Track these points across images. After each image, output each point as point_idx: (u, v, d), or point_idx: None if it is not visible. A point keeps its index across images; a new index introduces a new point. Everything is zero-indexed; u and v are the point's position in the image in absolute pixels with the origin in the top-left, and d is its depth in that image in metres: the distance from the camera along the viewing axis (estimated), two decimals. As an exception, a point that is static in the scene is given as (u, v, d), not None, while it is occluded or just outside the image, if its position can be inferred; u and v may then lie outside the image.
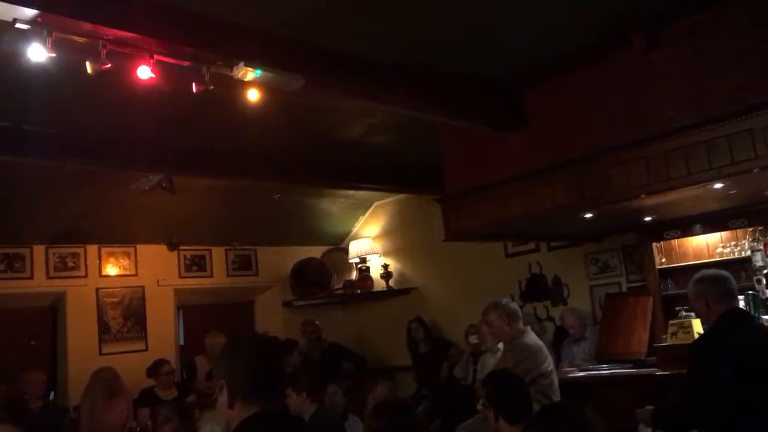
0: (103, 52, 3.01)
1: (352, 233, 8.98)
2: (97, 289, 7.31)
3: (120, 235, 7.34)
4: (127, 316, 7.44)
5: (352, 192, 7.90)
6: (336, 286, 8.68)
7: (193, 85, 3.39)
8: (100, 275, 7.36)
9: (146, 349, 7.36)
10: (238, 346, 2.20)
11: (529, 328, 4.69)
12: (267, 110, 4.16)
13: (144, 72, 3.21)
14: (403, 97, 4.35)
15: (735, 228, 5.60)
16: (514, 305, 4.71)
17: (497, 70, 4.63)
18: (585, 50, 4.34)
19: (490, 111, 4.85)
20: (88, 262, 7.29)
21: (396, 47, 4.06)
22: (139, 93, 3.56)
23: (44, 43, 2.85)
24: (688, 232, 5.84)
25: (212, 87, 3.38)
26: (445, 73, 4.48)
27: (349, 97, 4.40)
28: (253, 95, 3.75)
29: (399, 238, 8.50)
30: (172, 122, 4.87)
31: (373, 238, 8.67)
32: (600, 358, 5.81)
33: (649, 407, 3.52)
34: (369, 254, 8.52)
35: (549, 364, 4.48)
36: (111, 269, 7.43)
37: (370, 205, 8.75)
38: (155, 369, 6.50)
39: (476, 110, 4.77)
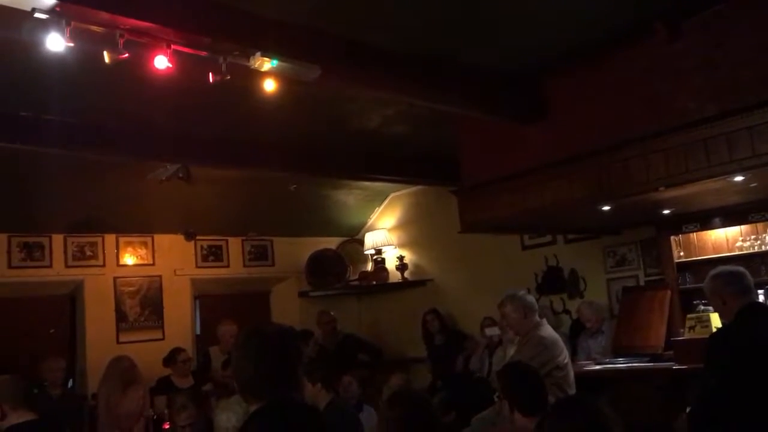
0: (121, 41, 3.02)
1: (367, 225, 8.98)
2: (114, 278, 7.37)
3: (137, 225, 7.39)
4: (145, 305, 7.50)
5: (368, 183, 7.89)
6: (351, 278, 8.69)
7: (210, 75, 3.39)
8: (118, 264, 7.42)
9: (163, 338, 7.42)
10: (241, 342, 2.20)
11: (545, 320, 4.66)
12: (283, 101, 4.17)
13: (161, 62, 3.22)
14: (421, 89, 4.33)
15: (755, 221, 5.53)
16: (531, 298, 4.68)
17: (517, 62, 4.59)
18: (606, 41, 4.30)
19: (509, 103, 4.81)
20: (105, 252, 7.36)
21: (414, 38, 4.04)
22: (157, 83, 3.57)
23: (63, 33, 2.86)
24: (708, 225, 5.77)
25: (229, 77, 3.38)
26: (464, 65, 4.45)
27: (366, 88, 4.38)
28: (269, 85, 3.75)
29: (415, 230, 8.48)
30: (189, 112, 4.89)
31: (389, 230, 8.66)
32: (617, 352, 5.78)
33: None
34: (384, 246, 8.52)
35: (565, 357, 4.45)
36: (128, 258, 7.49)
37: (386, 197, 8.74)
38: (172, 357, 6.56)
39: (496, 102, 4.74)
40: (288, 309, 8.30)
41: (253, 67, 3.42)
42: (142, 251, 7.58)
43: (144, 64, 3.21)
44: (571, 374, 4.44)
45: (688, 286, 5.94)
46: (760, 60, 3.77)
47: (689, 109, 4.04)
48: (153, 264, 7.63)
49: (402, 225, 8.63)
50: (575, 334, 6.50)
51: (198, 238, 7.89)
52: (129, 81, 3.91)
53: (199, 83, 3.40)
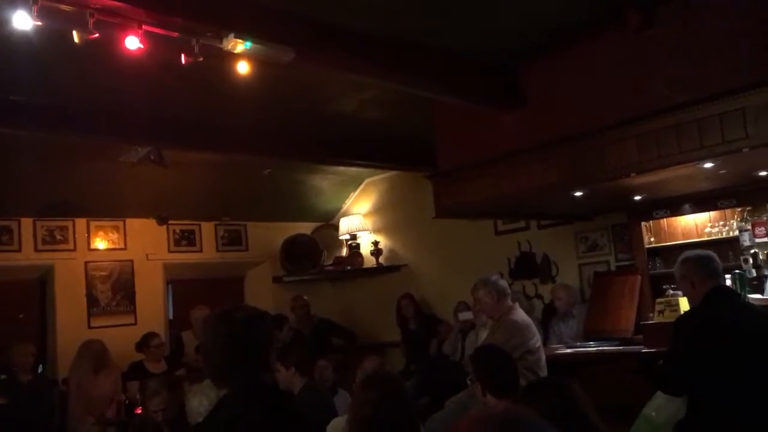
0: (91, 21, 2.96)
1: (342, 210, 8.96)
2: (85, 263, 7.28)
3: (109, 209, 7.29)
4: (116, 289, 7.42)
5: (343, 168, 7.87)
6: (326, 263, 8.68)
7: (183, 56, 3.35)
8: (89, 249, 7.33)
9: (135, 323, 7.36)
10: (211, 326, 2.18)
11: (517, 305, 4.72)
12: (257, 84, 4.13)
13: (132, 42, 3.16)
14: (396, 73, 4.31)
15: (724, 208, 5.62)
16: (503, 282, 4.73)
17: (494, 48, 4.59)
18: (580, 27, 4.32)
19: (485, 88, 4.82)
20: (76, 236, 7.25)
21: (391, 22, 4.02)
22: (128, 64, 3.51)
23: (30, 11, 2.80)
24: (678, 211, 5.86)
25: (202, 59, 3.33)
26: (441, 49, 4.44)
27: (341, 71, 4.35)
28: (243, 68, 3.71)
29: (390, 215, 8.49)
30: (161, 95, 4.82)
31: (364, 215, 8.66)
32: (587, 336, 5.86)
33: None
34: (359, 231, 8.52)
35: (537, 340, 4.51)
36: (100, 243, 7.40)
37: (361, 182, 8.72)
38: (145, 342, 6.52)
39: (471, 87, 4.74)
40: (262, 294, 8.27)
41: (226, 48, 3.38)
42: (114, 235, 7.48)
43: (115, 45, 3.16)
44: (543, 358, 4.50)
45: (658, 271, 6.03)
46: (731, 48, 3.82)
47: (661, 96, 4.08)
48: (125, 248, 7.54)
49: (377, 210, 8.63)
50: (547, 318, 6.58)
51: (170, 222, 7.81)
52: (100, 62, 3.84)
53: (172, 65, 3.36)
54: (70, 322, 7.04)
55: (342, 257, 8.67)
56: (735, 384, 3.18)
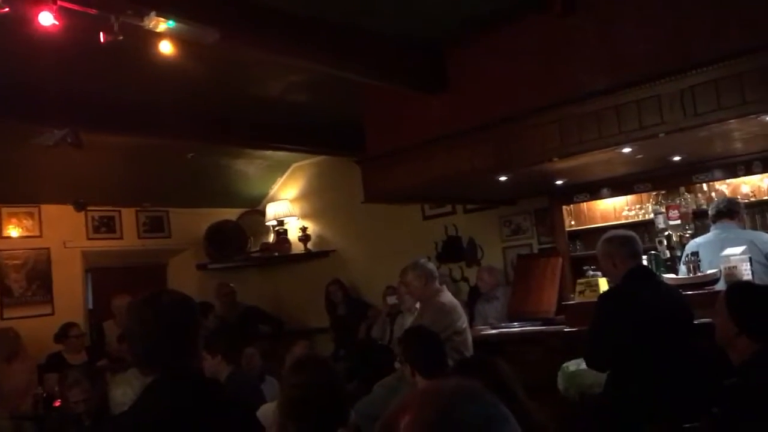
0: (0, -6, 2.81)
1: (269, 195, 8.85)
2: (-4, 251, 6.95)
3: (22, 194, 6.95)
4: (32, 279, 7.11)
5: (269, 153, 7.76)
6: (253, 249, 8.57)
7: (101, 34, 3.22)
8: (1, 236, 6.98)
9: (53, 314, 7.07)
10: (134, 311, 2.12)
11: (445, 287, 4.79)
12: (181, 64, 4.02)
13: (46, 19, 3.02)
14: (323, 55, 4.28)
15: (640, 192, 5.85)
16: (431, 265, 4.79)
17: (420, 31, 4.62)
18: (505, 12, 4.39)
19: (411, 72, 4.84)
20: (-14, 223, 6.91)
21: (318, 3, 3.98)
22: (42, 41, 3.35)
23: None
24: (597, 195, 6.06)
25: (121, 38, 3.21)
26: (366, 32, 4.43)
27: (267, 52, 4.28)
28: (166, 47, 3.61)
29: (318, 201, 8.44)
30: (78, 74, 4.62)
31: (291, 201, 8.58)
32: (511, 317, 6.00)
33: None
34: (287, 217, 8.44)
35: (463, 322, 4.60)
36: (13, 230, 7.06)
37: (288, 167, 8.63)
38: (64, 332, 6.28)
39: (397, 70, 4.76)
40: (186, 282, 8.07)
41: (147, 27, 3.27)
42: (28, 222, 7.15)
43: (28, 21, 3.00)
44: (470, 338, 4.59)
45: (578, 253, 6.23)
46: (648, 36, 3.97)
47: (582, 82, 4.20)
48: (40, 236, 7.22)
49: (305, 196, 8.56)
50: (473, 300, 6.70)
51: (89, 208, 7.52)
52: (11, 38, 3.65)
53: (90, 43, 3.22)
54: (-19, 313, 6.72)
55: (269, 243, 8.57)
56: (652, 358, 3.33)
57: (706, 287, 4.31)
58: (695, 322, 3.56)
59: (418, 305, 5.29)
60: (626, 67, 4.03)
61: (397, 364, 4.32)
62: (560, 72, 4.33)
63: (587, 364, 3.74)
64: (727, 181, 5.54)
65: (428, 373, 3.16)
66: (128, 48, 3.38)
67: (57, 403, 5.11)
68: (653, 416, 3.23)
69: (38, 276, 7.16)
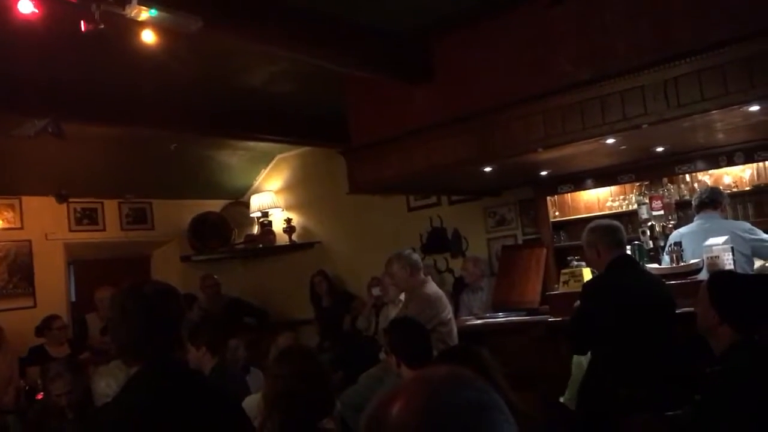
0: (-22, -19, 2.77)
1: (253, 187, 8.81)
2: (-23, 244, 6.87)
3: (3, 186, 6.85)
4: (13, 271, 7.03)
5: (253, 144, 7.72)
6: (237, 241, 8.53)
7: (82, 23, 3.17)
8: (-19, 228, 6.92)
9: (35, 306, 7.01)
10: (118, 301, 2.10)
11: (429, 278, 4.79)
12: (164, 54, 3.97)
13: (26, 6, 2.98)
14: (307, 45, 4.25)
15: (624, 183, 5.89)
16: (416, 256, 4.80)
17: (404, 22, 4.60)
18: (489, 2, 4.38)
19: (396, 63, 4.83)
20: (-34, 215, 6.83)
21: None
22: (22, 30, 3.30)
23: None
24: (581, 186, 6.09)
25: (103, 26, 3.17)
26: (350, 22, 4.40)
27: (250, 41, 4.24)
28: (148, 36, 3.56)
29: (302, 192, 8.42)
30: (59, 63, 4.56)
31: (276, 192, 8.55)
32: (496, 307, 6.02)
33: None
34: (271, 208, 8.41)
35: (448, 312, 4.61)
36: (-7, 222, 6.99)
37: (273, 158, 8.60)
38: (46, 324, 6.22)
39: (383, 61, 4.74)
40: (170, 274, 8.02)
41: (129, 16, 3.22)
42: (9, 214, 7.07)
43: (6, 9, 2.96)
44: (455, 329, 4.60)
45: (562, 244, 6.27)
46: (632, 27, 3.98)
47: (567, 73, 4.21)
48: (21, 228, 7.14)
49: (289, 187, 8.53)
50: (457, 291, 6.72)
51: (71, 200, 7.44)
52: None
53: (70, 32, 3.17)
54: (-39, 305, 6.64)
55: (253, 235, 8.54)
56: (634, 346, 3.37)
57: (689, 277, 4.35)
58: (678, 311, 3.60)
59: (402, 296, 5.31)
60: (610, 58, 4.04)
61: (382, 355, 4.32)
62: (544, 63, 4.34)
63: (569, 348, 3.78)
64: (710, 171, 5.59)
65: (414, 363, 3.16)
66: (110, 37, 3.33)
67: (39, 396, 5.06)
68: (636, 404, 3.26)
69: (20, 268, 7.09)
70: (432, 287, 4.66)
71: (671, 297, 3.63)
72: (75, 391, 4.17)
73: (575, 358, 4.22)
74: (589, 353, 3.69)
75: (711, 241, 4.31)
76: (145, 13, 3.24)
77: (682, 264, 4.52)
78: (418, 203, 7.47)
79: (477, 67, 4.69)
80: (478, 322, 5.75)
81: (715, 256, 4.19)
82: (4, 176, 6.69)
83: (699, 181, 5.67)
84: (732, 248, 4.20)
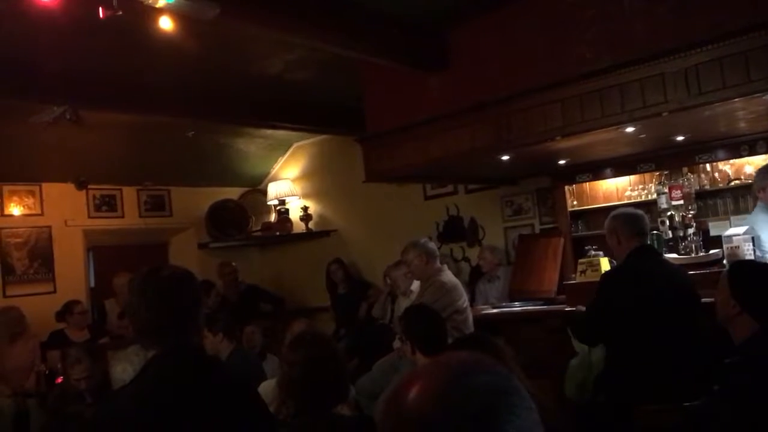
0: (-2, -33, 2.78)
1: (270, 175, 8.83)
2: (-1, 229, 6.96)
3: (23, 173, 6.94)
4: (33, 257, 7.12)
5: (270, 132, 7.73)
6: (254, 229, 8.56)
7: (100, 9, 3.18)
8: (3, 215, 6.99)
9: (54, 292, 7.10)
10: (137, 285, 2.11)
11: (445, 266, 4.78)
12: (181, 41, 3.98)
13: (45, -7, 3.00)
14: (322, 32, 4.23)
15: (643, 172, 5.81)
16: (432, 245, 4.79)
17: (421, 9, 4.57)
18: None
19: (411, 50, 4.80)
20: (-12, 201, 6.91)
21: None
22: (41, 17, 3.33)
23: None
24: (599, 175, 6.03)
25: (121, 13, 3.18)
26: (367, 9, 4.38)
27: (267, 29, 4.23)
28: (165, 23, 3.57)
29: (319, 180, 8.43)
30: (78, 50, 4.58)
31: (293, 180, 8.56)
32: (512, 296, 6.01)
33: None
34: (288, 196, 8.43)
35: (464, 301, 4.60)
36: (14, 209, 7.06)
37: (290, 146, 8.60)
38: (68, 309, 6.29)
39: (398, 48, 4.71)
40: (187, 261, 8.06)
41: (147, 2, 3.23)
42: (29, 201, 7.15)
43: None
44: (470, 318, 4.59)
45: (580, 233, 6.21)
46: (652, 14, 3.92)
47: (585, 60, 4.16)
48: (42, 214, 7.23)
49: (306, 175, 8.54)
50: (474, 280, 6.71)
51: (90, 187, 7.52)
52: (9, 14, 3.62)
53: (89, 19, 3.19)
54: (-17, 291, 6.73)
55: (270, 223, 8.56)
56: (654, 336, 3.33)
57: (709, 267, 4.30)
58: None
59: (413, 287, 5.31)
60: (629, 45, 3.98)
61: (396, 343, 4.33)
62: (563, 50, 4.29)
63: (577, 336, 3.75)
64: (731, 161, 5.51)
65: (429, 350, 3.16)
66: (127, 24, 3.35)
67: (59, 380, 5.13)
68: (654, 395, 3.24)
69: (40, 254, 7.18)
70: (448, 275, 4.65)
71: (693, 287, 3.58)
72: (94, 375, 4.23)
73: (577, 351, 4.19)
74: (593, 347, 3.66)
75: (731, 230, 4.26)
76: (162, 0, 3.25)
77: (702, 254, 4.47)
78: (435, 192, 7.44)
79: (494, 54, 4.65)
80: (494, 311, 5.74)
81: (735, 246, 4.14)
82: (25, 163, 6.77)
83: (720, 171, 5.59)
84: (752, 238, 4.15)
